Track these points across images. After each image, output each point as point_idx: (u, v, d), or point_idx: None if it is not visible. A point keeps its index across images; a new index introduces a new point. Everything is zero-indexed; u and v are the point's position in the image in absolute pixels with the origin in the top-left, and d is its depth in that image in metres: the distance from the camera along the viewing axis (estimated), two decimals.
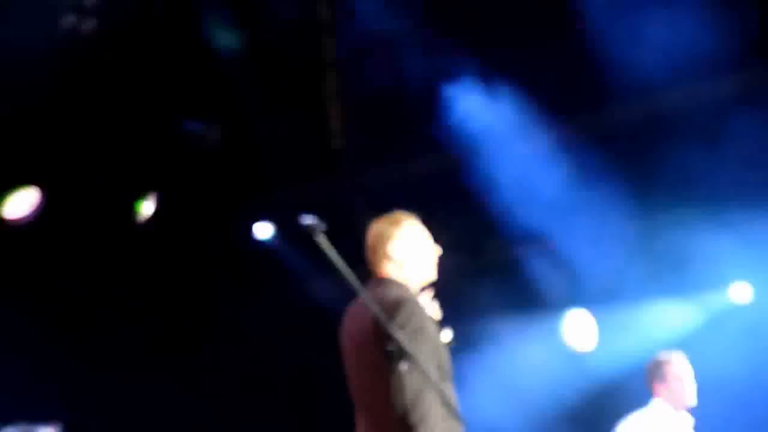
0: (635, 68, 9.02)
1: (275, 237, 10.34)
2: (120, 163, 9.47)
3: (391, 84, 9.44)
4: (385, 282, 5.21)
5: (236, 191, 10.09)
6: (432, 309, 5.31)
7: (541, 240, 10.23)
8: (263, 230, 10.35)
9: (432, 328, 5.06)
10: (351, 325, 5.25)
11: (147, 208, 9.80)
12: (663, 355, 8.04)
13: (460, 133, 9.61)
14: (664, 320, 10.51)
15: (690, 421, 7.92)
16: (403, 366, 4.87)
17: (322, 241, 4.78)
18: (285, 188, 10.01)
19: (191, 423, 9.96)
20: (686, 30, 8.87)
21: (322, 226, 4.79)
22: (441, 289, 10.27)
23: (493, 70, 9.32)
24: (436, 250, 5.33)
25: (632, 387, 9.34)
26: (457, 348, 6.54)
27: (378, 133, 9.89)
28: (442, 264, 5.51)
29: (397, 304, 5.02)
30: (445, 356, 5.08)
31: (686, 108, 9.45)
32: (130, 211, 9.76)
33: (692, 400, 7.83)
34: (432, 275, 5.34)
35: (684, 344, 9.08)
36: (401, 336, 4.81)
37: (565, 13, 9.16)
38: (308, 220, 4.77)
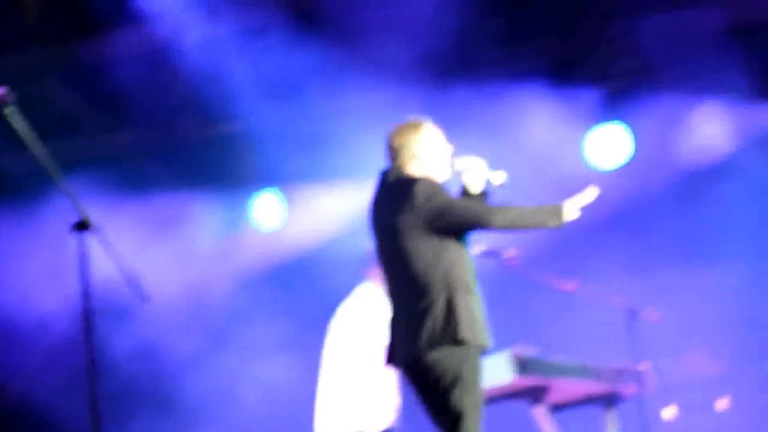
0: None
1: None
2: None
3: None
4: (407, 178, 5.96)
5: None
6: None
7: (234, 120, 10.40)
8: None
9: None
10: (378, 210, 6.07)
11: None
12: None
13: (156, 11, 9.58)
14: (348, 201, 10.87)
15: None
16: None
17: (12, 114, 4.95)
18: None
19: None
20: None
21: (12, 98, 4.97)
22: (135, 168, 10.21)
23: None
24: (450, 150, 6.09)
25: (319, 262, 10.73)
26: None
27: (73, 12, 9.75)
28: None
29: (417, 183, 5.83)
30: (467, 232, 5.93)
31: None
32: None
33: None
34: (448, 173, 6.09)
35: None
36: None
37: None
38: None
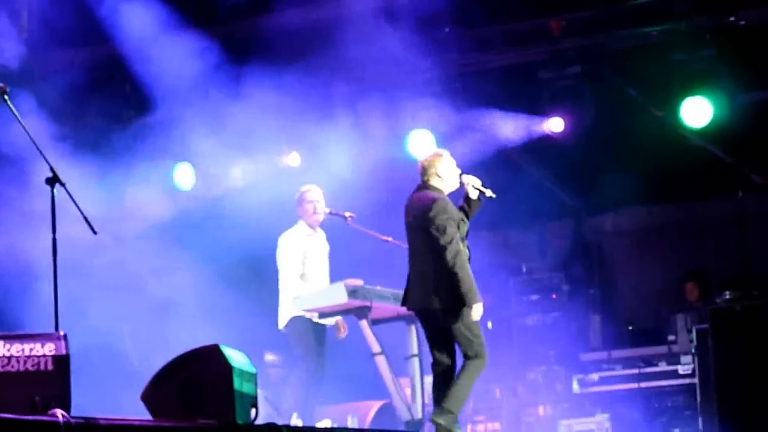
0: None
1: None
2: None
3: None
4: (432, 187, 8.55)
5: None
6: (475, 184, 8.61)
7: (160, 110, 11.85)
8: None
9: (457, 216, 8.40)
10: (410, 207, 8.57)
11: None
12: (304, 187, 9.94)
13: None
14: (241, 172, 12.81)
15: (323, 235, 9.93)
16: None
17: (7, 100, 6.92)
18: None
19: None
20: None
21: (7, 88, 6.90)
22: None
23: None
24: (458, 170, 8.61)
25: (220, 212, 12.24)
26: None
27: None
28: None
29: (435, 202, 8.41)
30: (464, 232, 8.43)
31: None
32: None
33: (319, 221, 9.84)
34: (456, 184, 8.58)
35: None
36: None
37: None
38: None
